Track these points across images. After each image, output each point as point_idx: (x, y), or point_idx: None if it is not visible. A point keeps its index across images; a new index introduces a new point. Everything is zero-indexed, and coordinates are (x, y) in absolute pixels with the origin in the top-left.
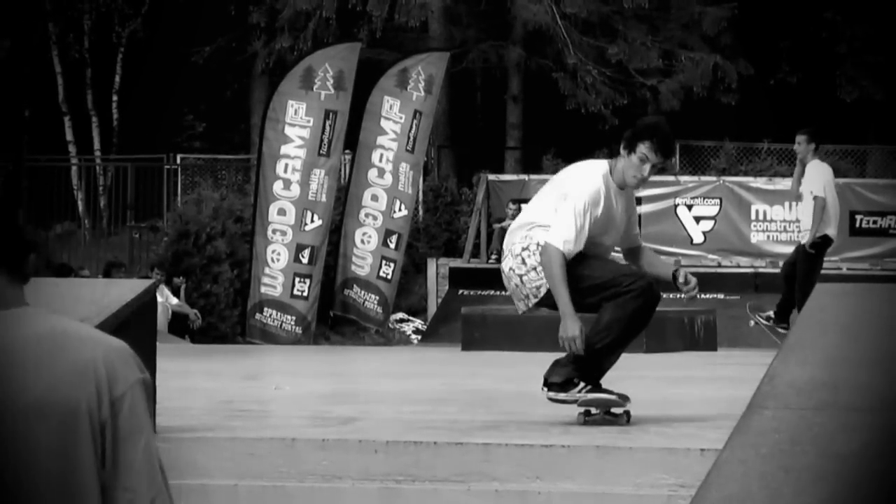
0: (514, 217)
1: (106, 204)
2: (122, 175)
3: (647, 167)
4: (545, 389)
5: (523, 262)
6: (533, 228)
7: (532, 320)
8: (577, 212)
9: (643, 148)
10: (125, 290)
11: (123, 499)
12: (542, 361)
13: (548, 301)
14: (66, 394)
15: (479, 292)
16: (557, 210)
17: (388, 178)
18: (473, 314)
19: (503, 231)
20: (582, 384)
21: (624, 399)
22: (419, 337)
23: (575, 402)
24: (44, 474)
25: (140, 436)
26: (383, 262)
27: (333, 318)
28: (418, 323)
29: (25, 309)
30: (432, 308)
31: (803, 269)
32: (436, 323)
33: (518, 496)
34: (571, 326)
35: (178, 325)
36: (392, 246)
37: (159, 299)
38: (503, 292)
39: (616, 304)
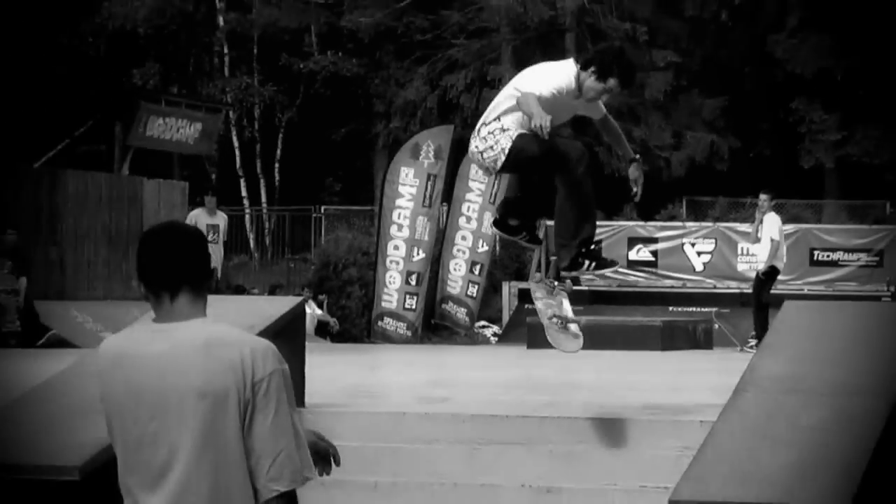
0: None
1: (270, 242)
2: (281, 221)
3: (608, 96)
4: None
5: (487, 144)
6: (503, 116)
7: (592, 330)
8: (550, 87)
9: (612, 82)
10: (283, 305)
11: (253, 456)
12: (587, 356)
13: (508, 167)
14: (221, 382)
15: None
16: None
17: (474, 224)
18: (536, 322)
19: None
20: (587, 262)
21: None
22: (496, 339)
23: (586, 269)
24: (204, 439)
25: (270, 411)
26: (470, 284)
27: (434, 325)
28: (495, 328)
29: (198, 320)
30: (506, 317)
31: (756, 288)
32: (508, 329)
33: (566, 455)
34: (541, 115)
35: (322, 330)
36: (476, 273)
37: (308, 311)
38: None
39: (564, 174)
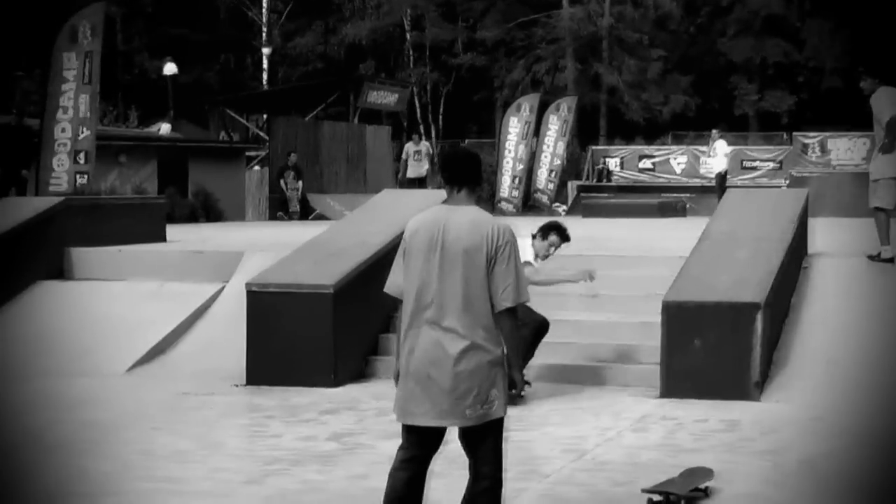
0: (604, 163)
1: (436, 160)
2: (442, 148)
3: (554, 249)
4: None
5: None
6: None
7: (618, 206)
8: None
9: (553, 237)
10: (444, 194)
11: (493, 286)
12: (617, 222)
13: None
14: (477, 244)
15: (589, 194)
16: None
17: (552, 149)
18: (587, 202)
19: (599, 170)
20: (514, 390)
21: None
22: (565, 212)
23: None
24: (471, 277)
25: (504, 262)
26: (548, 182)
27: (529, 205)
28: (565, 206)
29: (471, 207)
30: (570, 200)
31: (720, 181)
32: (572, 207)
33: (606, 277)
34: (585, 272)
35: None
36: (553, 175)
37: None
38: (599, 193)
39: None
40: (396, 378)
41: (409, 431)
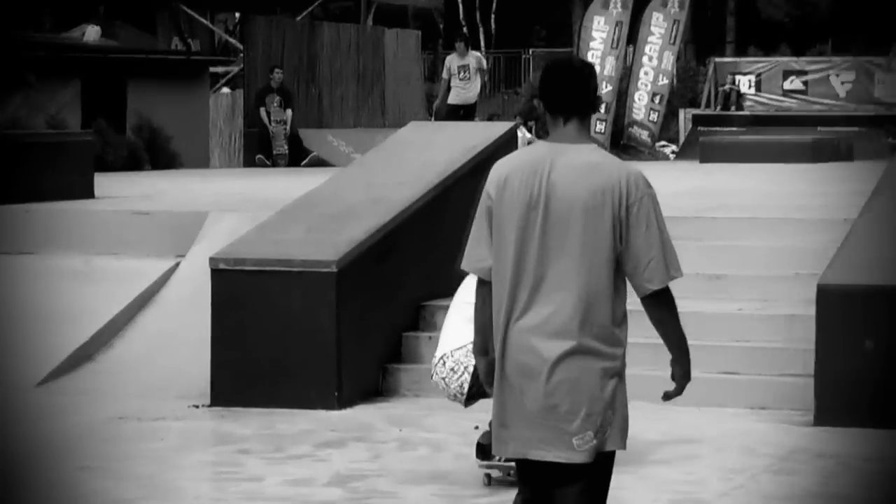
0: (732, 83)
1: (488, 79)
2: (497, 62)
3: None
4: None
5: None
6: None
7: (753, 146)
8: None
9: None
10: (499, 129)
11: (631, 263)
12: (749, 168)
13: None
14: (600, 199)
15: (709, 128)
16: None
17: (654, 62)
18: (707, 140)
19: (724, 92)
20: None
21: None
22: (674, 155)
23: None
24: (592, 248)
25: (642, 227)
26: (651, 111)
27: (622, 145)
28: (673, 146)
29: (586, 146)
30: (682, 138)
31: None
32: (684, 147)
33: (731, 248)
34: None
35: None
36: (657, 102)
37: (519, 134)
38: (724, 127)
39: None
40: (487, 379)
41: (517, 465)
